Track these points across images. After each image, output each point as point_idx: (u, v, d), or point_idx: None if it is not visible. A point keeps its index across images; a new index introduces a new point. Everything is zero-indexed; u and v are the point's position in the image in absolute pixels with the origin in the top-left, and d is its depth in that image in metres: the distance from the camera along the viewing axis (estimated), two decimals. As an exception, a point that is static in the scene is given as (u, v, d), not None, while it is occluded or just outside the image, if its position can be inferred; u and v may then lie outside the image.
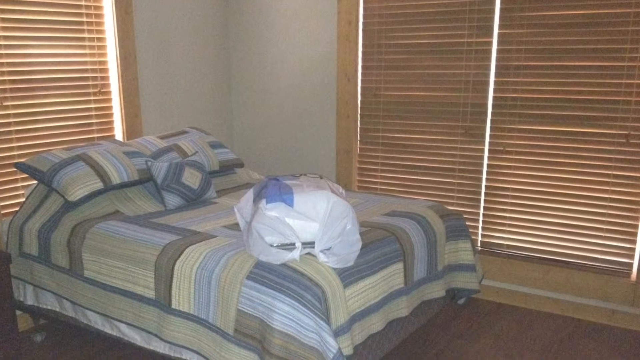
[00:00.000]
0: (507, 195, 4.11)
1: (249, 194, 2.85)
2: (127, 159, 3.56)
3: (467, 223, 3.83)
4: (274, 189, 2.69)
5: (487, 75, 4.05)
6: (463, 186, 4.28)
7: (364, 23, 4.45)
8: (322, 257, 2.62)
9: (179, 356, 2.85)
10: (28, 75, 3.70)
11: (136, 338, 3.02)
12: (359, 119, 4.62)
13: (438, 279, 3.31)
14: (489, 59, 4.02)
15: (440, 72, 4.22)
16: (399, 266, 2.98)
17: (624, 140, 3.67)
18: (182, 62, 4.68)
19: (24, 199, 3.59)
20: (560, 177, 3.91)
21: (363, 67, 4.53)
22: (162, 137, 4.09)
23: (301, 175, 2.98)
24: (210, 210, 3.48)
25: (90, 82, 4.04)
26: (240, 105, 5.16)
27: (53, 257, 3.26)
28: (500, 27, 3.94)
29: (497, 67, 4.00)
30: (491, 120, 4.08)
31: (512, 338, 3.67)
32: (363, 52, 4.51)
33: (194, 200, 3.63)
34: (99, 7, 4.02)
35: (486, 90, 4.07)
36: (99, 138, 4.14)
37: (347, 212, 2.65)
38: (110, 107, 4.20)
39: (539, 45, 3.83)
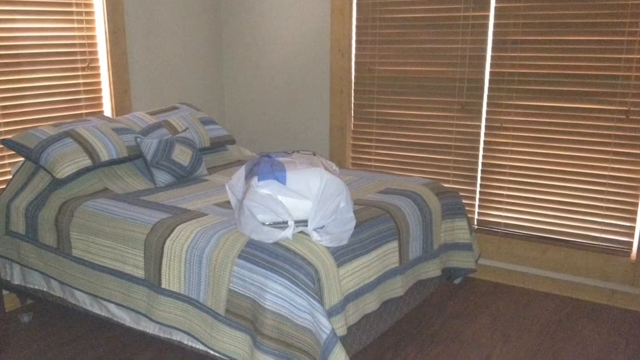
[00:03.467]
0: (505, 172, 4.04)
1: (241, 171, 2.79)
2: (116, 136, 3.48)
3: (464, 201, 3.77)
4: (266, 166, 2.62)
5: (484, 50, 3.97)
6: (459, 163, 4.22)
7: (358, -4, 4.38)
8: (315, 236, 2.57)
9: (168, 337, 2.80)
10: (15, 50, 3.61)
11: (125, 318, 2.96)
12: (352, 94, 4.54)
13: (434, 257, 3.26)
14: (485, 34, 3.94)
15: (436, 47, 4.14)
16: (393, 245, 2.93)
17: (623, 117, 3.60)
18: (172, 37, 4.59)
19: (10, 177, 3.52)
20: (559, 154, 3.85)
21: (357, 41, 4.45)
22: (152, 114, 4.00)
23: (294, 152, 2.92)
24: (201, 188, 3.41)
25: (78, 57, 3.95)
26: (232, 80, 5.08)
27: (40, 236, 3.20)
28: (497, 0, 3.85)
29: (494, 41, 3.92)
30: (488, 96, 4.01)
31: (509, 318, 3.63)
32: (357, 27, 4.42)
33: (184, 177, 3.56)
34: (86, -20, 3.93)
35: (483, 66, 3.99)
36: (87, 114, 4.06)
37: (340, 190, 2.59)
38: (99, 83, 4.11)
39: (536, 19, 3.75)
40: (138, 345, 3.31)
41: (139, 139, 3.52)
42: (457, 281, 3.66)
